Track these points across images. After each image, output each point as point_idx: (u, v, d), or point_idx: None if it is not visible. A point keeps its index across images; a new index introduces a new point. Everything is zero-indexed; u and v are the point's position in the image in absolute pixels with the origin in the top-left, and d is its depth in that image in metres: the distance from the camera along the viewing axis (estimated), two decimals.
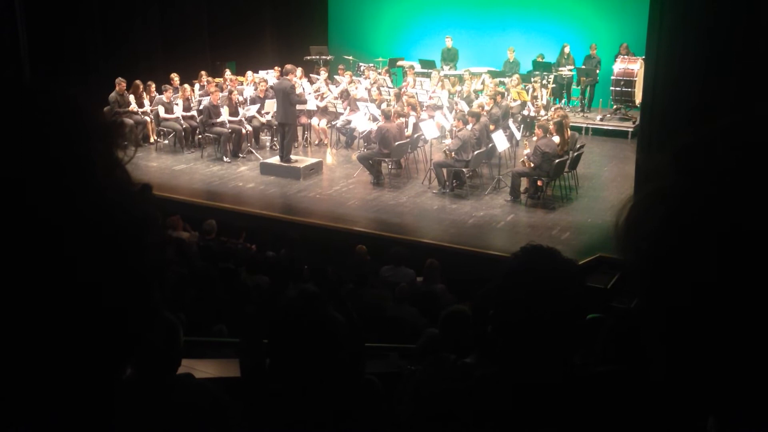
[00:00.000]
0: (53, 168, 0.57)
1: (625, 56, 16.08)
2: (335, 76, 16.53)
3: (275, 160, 12.97)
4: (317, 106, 14.74)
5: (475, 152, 11.66)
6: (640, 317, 0.66)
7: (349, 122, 14.30)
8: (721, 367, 0.59)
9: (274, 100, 13.33)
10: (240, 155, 13.83)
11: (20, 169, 0.56)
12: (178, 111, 14.27)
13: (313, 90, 15.27)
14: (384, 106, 13.55)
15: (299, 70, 15.39)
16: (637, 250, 0.63)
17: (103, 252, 0.58)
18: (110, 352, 0.61)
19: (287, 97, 12.57)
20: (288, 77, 12.86)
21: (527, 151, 11.54)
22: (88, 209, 0.58)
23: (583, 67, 16.80)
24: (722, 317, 0.57)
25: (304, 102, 13.95)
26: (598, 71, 16.74)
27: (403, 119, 12.72)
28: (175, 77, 14.91)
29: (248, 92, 15.02)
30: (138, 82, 14.24)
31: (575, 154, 11.71)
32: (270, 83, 14.57)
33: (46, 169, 0.57)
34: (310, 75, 16.41)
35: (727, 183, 0.58)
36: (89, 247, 0.57)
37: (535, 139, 11.47)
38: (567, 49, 17.19)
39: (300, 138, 14.66)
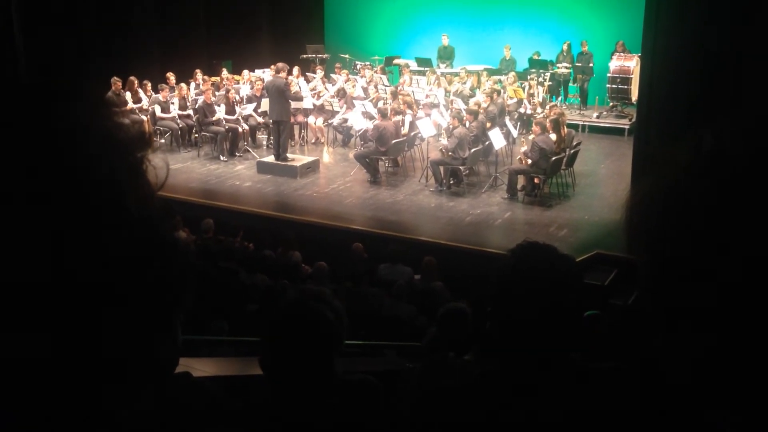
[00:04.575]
0: (82, 183, 0.56)
1: (622, 54, 16.09)
2: (332, 75, 16.52)
3: (272, 158, 12.96)
4: (314, 105, 14.73)
5: (472, 150, 11.67)
6: (648, 310, 0.66)
7: (345, 120, 14.29)
8: (736, 362, 0.58)
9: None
10: (237, 154, 13.83)
11: (55, 183, 0.55)
12: (175, 110, 14.24)
13: (309, 88, 15.26)
14: (380, 104, 13.55)
15: (296, 69, 15.38)
16: (649, 242, 0.62)
17: (124, 273, 0.58)
18: (117, 367, 0.61)
19: (282, 94, 12.57)
20: (281, 75, 12.85)
21: (524, 148, 11.55)
22: (112, 227, 0.57)
23: (579, 64, 16.83)
24: (740, 313, 0.57)
25: (300, 99, 13.95)
26: (591, 65, 16.77)
27: (400, 117, 12.72)
28: (171, 76, 14.89)
29: (245, 91, 15.00)
30: (132, 78, 14.20)
31: (572, 151, 11.72)
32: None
33: (74, 184, 0.56)
34: (307, 73, 16.39)
35: (750, 173, 0.57)
36: (108, 267, 0.57)
37: (532, 136, 11.48)
38: (566, 47, 17.21)
39: (297, 136, 14.67)
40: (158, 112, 14.09)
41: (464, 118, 12.10)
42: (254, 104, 14.32)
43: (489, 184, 11.92)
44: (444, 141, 12.29)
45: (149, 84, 14.51)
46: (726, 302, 0.57)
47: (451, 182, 11.83)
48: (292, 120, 13.60)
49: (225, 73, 15.88)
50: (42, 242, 0.54)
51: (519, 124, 14.39)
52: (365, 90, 15.10)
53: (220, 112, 13.71)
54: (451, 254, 9.25)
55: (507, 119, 13.57)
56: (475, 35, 18.58)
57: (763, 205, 0.56)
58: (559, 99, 16.84)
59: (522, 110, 14.82)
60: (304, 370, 2.20)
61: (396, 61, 18.18)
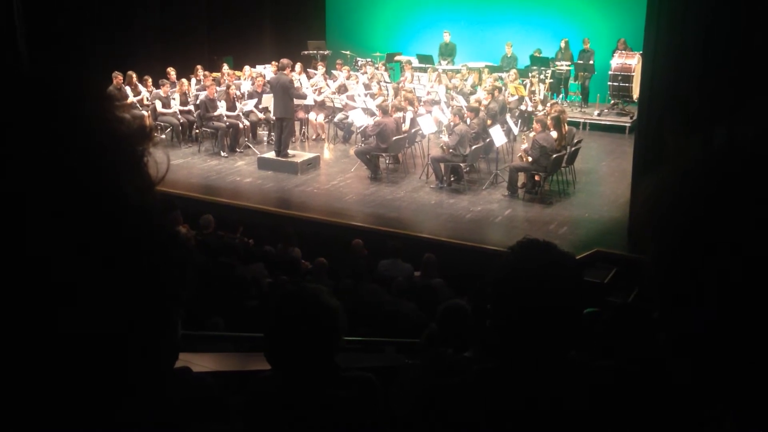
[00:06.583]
0: (82, 176, 0.56)
1: (623, 51, 16.08)
2: (333, 71, 16.51)
3: (272, 154, 12.97)
4: (315, 101, 14.73)
5: (473, 147, 11.67)
6: (651, 307, 0.65)
7: (346, 117, 14.29)
8: (737, 361, 0.58)
9: (272, 95, 13.32)
10: (237, 150, 13.83)
11: (54, 175, 0.55)
12: (176, 105, 14.23)
13: (310, 85, 15.25)
14: (380, 100, 13.55)
15: (298, 65, 15.36)
16: (656, 237, 0.62)
17: (124, 266, 0.58)
18: (116, 362, 0.60)
19: (286, 92, 12.57)
20: (285, 72, 12.84)
21: (525, 145, 11.55)
22: (112, 224, 0.57)
23: (580, 62, 16.83)
24: (745, 311, 0.56)
25: (304, 97, 13.94)
26: (592, 63, 16.77)
27: (401, 114, 12.72)
28: (172, 72, 14.88)
29: (246, 87, 14.99)
30: (131, 72, 14.18)
31: (572, 149, 11.71)
32: (267, 78, 14.56)
33: (74, 176, 0.56)
34: (308, 70, 16.38)
35: (761, 170, 0.57)
36: (107, 260, 0.57)
37: (532, 134, 11.48)
38: (563, 44, 17.21)
39: (297, 133, 14.66)
40: (159, 108, 14.08)
41: (465, 115, 12.09)
42: (255, 100, 14.31)
43: (489, 181, 11.91)
44: (445, 138, 12.28)
45: (150, 79, 14.50)
46: (730, 300, 0.57)
47: (452, 179, 11.82)
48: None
49: (226, 68, 15.86)
50: (41, 234, 0.54)
51: (520, 121, 14.39)
52: (367, 86, 15.12)
53: (221, 109, 13.71)
54: (451, 251, 9.25)
55: (508, 116, 13.56)
56: (476, 32, 18.57)
57: None
58: (560, 96, 16.83)
59: (523, 107, 14.81)
60: (305, 362, 2.20)
61: (397, 58, 18.18)
